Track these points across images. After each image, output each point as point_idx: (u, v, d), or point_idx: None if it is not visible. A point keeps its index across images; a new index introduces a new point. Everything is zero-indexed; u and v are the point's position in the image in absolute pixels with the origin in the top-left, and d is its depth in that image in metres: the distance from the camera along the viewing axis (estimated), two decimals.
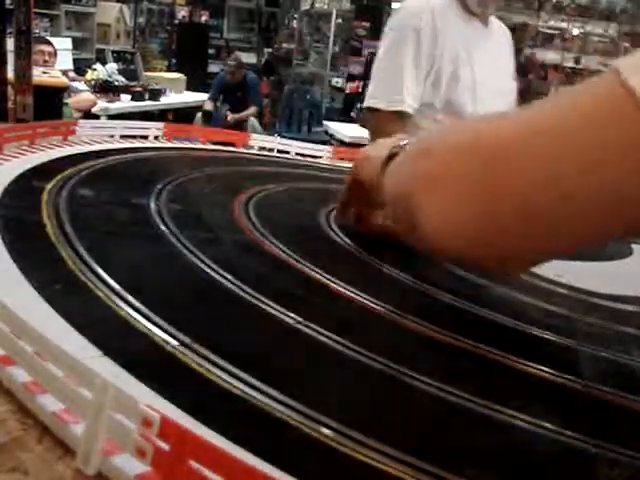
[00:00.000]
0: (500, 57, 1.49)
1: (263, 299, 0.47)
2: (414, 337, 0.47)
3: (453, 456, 0.33)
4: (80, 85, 3.45)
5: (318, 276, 0.55)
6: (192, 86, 5.15)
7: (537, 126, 0.36)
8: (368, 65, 4.49)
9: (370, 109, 1.39)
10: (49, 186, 0.65)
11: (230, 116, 4.52)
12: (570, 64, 6.19)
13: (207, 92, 4.79)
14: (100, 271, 0.46)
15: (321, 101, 5.52)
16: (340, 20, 6.10)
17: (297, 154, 1.16)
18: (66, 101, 2.52)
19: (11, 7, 1.26)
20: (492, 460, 0.34)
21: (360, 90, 5.29)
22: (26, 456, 0.28)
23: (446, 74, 1.36)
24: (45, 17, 5.62)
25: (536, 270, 0.72)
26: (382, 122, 1.38)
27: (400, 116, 1.37)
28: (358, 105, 5.04)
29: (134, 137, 1.03)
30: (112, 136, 1.00)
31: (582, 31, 6.28)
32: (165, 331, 0.39)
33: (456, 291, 0.59)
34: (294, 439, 0.31)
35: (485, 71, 1.40)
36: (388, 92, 1.36)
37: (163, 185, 0.74)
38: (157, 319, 0.40)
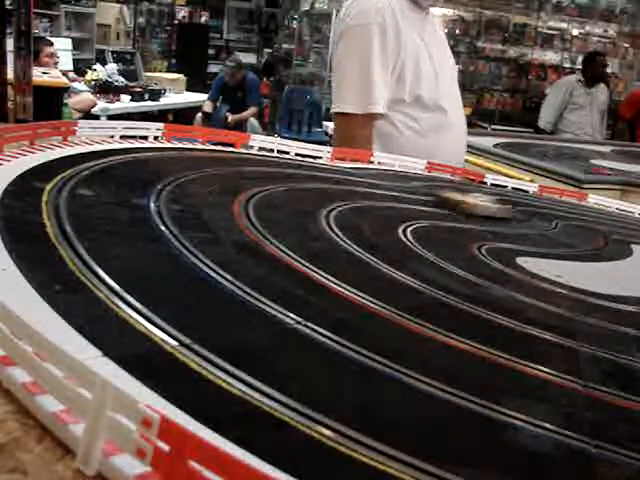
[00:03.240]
0: (444, 41, 1.54)
1: (263, 299, 0.47)
2: (414, 337, 0.47)
3: (453, 456, 0.33)
4: (80, 85, 3.46)
5: (318, 276, 0.55)
6: (192, 86, 5.15)
7: None
8: None
9: (341, 114, 1.36)
10: (49, 187, 0.65)
11: (230, 117, 4.52)
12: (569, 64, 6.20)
13: (207, 93, 4.80)
14: (100, 271, 0.46)
15: (321, 102, 5.52)
16: None
17: (297, 154, 1.16)
18: (66, 101, 2.52)
19: (11, 7, 1.26)
20: (492, 460, 0.34)
21: None
22: (26, 457, 0.28)
23: (409, 68, 1.37)
24: (45, 17, 5.62)
25: (536, 271, 0.72)
26: (355, 126, 1.35)
27: (372, 118, 1.36)
28: None
29: (134, 137, 1.03)
30: (112, 136, 1.00)
31: (582, 31, 6.28)
32: (165, 331, 0.39)
33: (455, 291, 0.59)
34: (294, 439, 0.31)
35: (440, 59, 1.45)
36: (360, 95, 1.33)
37: (163, 186, 0.74)
38: (157, 319, 0.40)
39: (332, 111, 1.39)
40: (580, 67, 4.37)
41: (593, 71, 3.94)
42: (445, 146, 1.45)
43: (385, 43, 1.33)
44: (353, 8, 1.37)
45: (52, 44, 3.21)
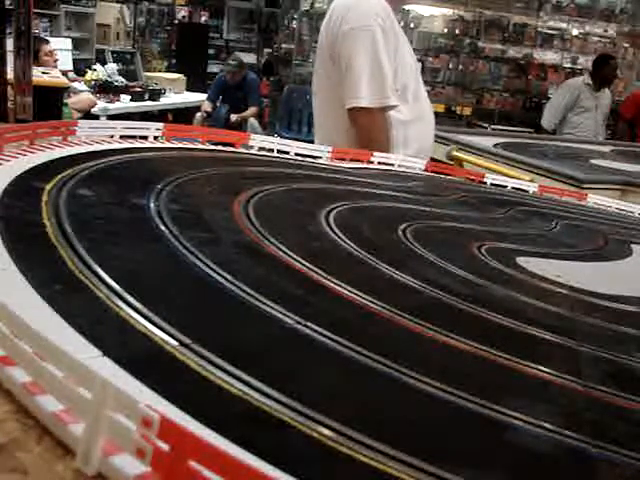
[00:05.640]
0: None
1: (263, 299, 0.47)
2: (414, 337, 0.47)
3: (453, 456, 0.33)
4: (80, 85, 3.46)
5: (318, 276, 0.55)
6: (192, 86, 5.15)
7: None
8: None
9: (359, 109, 1.43)
10: (49, 186, 0.65)
11: (234, 117, 4.52)
12: (569, 64, 6.21)
13: (207, 92, 4.79)
14: (100, 271, 0.46)
15: None
16: None
17: (297, 154, 1.16)
18: (66, 101, 2.53)
19: (11, 7, 1.26)
20: (492, 460, 0.34)
21: None
22: (26, 456, 0.28)
23: (400, 62, 1.48)
24: (45, 17, 5.61)
25: (536, 271, 0.72)
26: (375, 119, 1.45)
27: (386, 109, 1.46)
28: None
29: (134, 137, 1.03)
30: (112, 136, 1.00)
31: (582, 31, 6.28)
32: (165, 331, 0.39)
33: (455, 291, 0.59)
34: (294, 439, 0.31)
35: (411, 51, 1.60)
36: (376, 90, 1.43)
37: (163, 185, 0.74)
38: (157, 319, 0.40)
39: (349, 106, 1.45)
40: (581, 67, 4.35)
41: (604, 75, 3.92)
42: (423, 135, 1.57)
43: (387, 41, 1.43)
44: (349, 13, 1.45)
45: (48, 42, 3.21)
